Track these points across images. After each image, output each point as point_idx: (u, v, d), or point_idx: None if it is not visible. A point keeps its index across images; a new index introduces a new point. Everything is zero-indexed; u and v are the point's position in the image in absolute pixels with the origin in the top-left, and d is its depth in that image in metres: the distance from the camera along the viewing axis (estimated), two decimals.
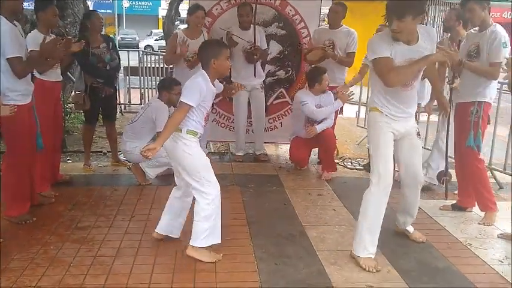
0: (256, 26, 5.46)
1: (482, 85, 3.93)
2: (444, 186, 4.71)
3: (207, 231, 3.18)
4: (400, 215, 3.64)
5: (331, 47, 5.38)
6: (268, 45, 5.68)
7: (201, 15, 5.18)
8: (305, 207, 4.33)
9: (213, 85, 3.21)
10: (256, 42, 5.37)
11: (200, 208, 3.17)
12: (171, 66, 5.76)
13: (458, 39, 4.42)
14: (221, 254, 3.27)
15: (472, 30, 4.09)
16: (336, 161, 5.58)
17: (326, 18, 5.85)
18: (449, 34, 4.79)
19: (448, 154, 4.62)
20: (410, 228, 3.70)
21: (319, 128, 5.14)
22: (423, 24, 4.77)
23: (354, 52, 5.43)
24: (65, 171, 4.98)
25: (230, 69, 5.56)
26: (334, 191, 4.80)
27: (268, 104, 5.95)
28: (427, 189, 4.75)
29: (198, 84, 3.09)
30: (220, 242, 3.26)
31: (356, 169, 5.63)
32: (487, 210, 4.09)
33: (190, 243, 3.24)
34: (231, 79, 5.59)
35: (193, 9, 5.24)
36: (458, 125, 4.19)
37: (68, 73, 6.76)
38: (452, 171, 4.78)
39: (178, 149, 3.15)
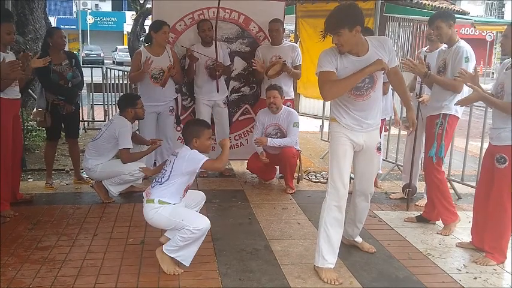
0: (219, 42, 5.52)
1: (448, 98, 4.05)
2: (406, 197, 4.86)
3: (177, 247, 3.24)
4: (349, 226, 3.66)
5: None
6: (232, 61, 5.77)
7: (167, 31, 5.20)
8: (270, 221, 4.36)
9: None
10: (219, 58, 5.42)
11: (183, 231, 3.25)
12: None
13: (424, 55, 4.57)
14: (182, 270, 3.28)
15: (443, 47, 4.25)
16: (301, 174, 5.65)
17: (291, 35, 5.96)
18: (427, 46, 4.91)
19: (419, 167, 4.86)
20: (358, 239, 3.78)
21: (270, 141, 5.15)
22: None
23: (300, 64, 5.60)
24: (26, 190, 4.89)
25: (193, 84, 5.66)
26: (299, 204, 4.85)
27: (233, 120, 6.00)
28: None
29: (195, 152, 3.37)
30: (187, 266, 3.29)
31: (320, 182, 5.70)
32: (447, 222, 4.20)
33: (164, 247, 3.28)
34: (194, 95, 5.63)
35: (158, 26, 5.14)
36: (426, 137, 4.33)
37: (29, 90, 6.66)
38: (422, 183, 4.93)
39: (153, 217, 3.32)
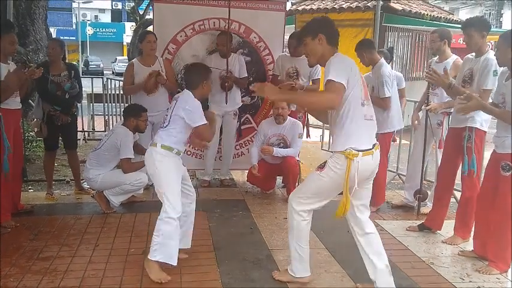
0: (235, 55, 5.58)
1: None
2: (418, 203, 4.89)
3: (156, 245, 3.24)
4: None
5: (296, 74, 5.49)
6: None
7: (152, 39, 5.19)
8: (271, 231, 4.34)
9: None
10: (234, 70, 5.48)
11: (157, 222, 3.29)
12: None
13: (429, 65, 4.56)
14: (169, 277, 3.27)
15: (469, 55, 4.13)
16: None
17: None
18: (437, 56, 4.84)
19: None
20: None
21: (276, 151, 5.15)
22: (383, 47, 4.98)
23: (319, 78, 5.51)
24: (26, 200, 4.87)
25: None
26: None
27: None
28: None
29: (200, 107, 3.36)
30: (175, 265, 3.28)
31: None
32: (460, 236, 4.17)
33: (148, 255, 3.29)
34: (208, 103, 5.66)
35: (143, 35, 5.32)
36: (449, 149, 4.21)
37: (30, 100, 6.66)
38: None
39: (151, 161, 3.34)
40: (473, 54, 4.04)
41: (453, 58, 4.62)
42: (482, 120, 4.00)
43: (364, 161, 2.93)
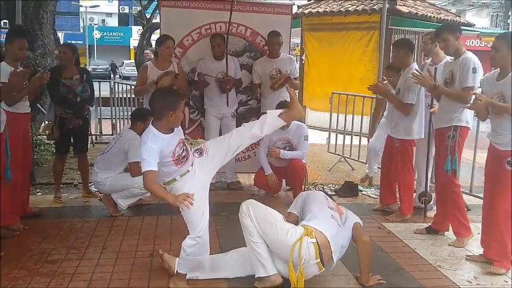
0: (230, 56, 5.56)
1: (458, 110, 4.04)
2: (424, 205, 4.89)
3: (181, 259, 3.22)
4: None
5: (279, 74, 5.52)
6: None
7: (171, 45, 5.22)
8: None
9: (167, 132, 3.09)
10: (230, 71, 5.47)
11: (185, 242, 3.21)
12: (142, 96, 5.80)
13: (435, 67, 4.58)
14: None
15: (448, 59, 4.26)
16: (307, 187, 5.65)
17: (296, 48, 6.01)
18: (430, 58, 4.93)
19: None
20: None
21: (283, 153, 5.16)
22: (389, 50, 5.01)
23: (298, 76, 5.58)
24: (34, 203, 4.90)
25: (203, 96, 5.70)
26: None
27: None
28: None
29: (150, 149, 2.96)
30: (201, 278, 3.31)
31: (328, 195, 5.67)
32: (461, 236, 4.17)
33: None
34: (204, 106, 5.67)
35: (162, 40, 5.24)
36: (437, 149, 4.34)
37: (38, 104, 6.72)
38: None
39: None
40: (452, 58, 4.15)
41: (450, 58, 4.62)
42: (468, 118, 4.11)
43: None
